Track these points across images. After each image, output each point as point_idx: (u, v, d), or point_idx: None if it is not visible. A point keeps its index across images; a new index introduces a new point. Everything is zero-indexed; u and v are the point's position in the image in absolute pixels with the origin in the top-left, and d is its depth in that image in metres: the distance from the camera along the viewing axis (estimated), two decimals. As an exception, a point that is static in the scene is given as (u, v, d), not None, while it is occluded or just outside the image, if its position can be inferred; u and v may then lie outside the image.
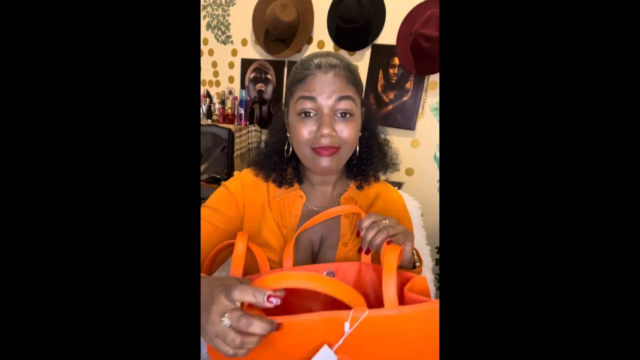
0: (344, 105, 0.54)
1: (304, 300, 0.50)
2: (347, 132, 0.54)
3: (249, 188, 0.64)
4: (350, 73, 0.55)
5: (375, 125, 0.65)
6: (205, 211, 0.61)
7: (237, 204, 0.62)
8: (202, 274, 0.47)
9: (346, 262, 0.52)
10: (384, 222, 0.48)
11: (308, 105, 0.53)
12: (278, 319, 0.37)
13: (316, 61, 0.55)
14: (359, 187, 0.66)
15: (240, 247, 0.42)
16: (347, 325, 0.36)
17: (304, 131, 0.54)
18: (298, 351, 0.39)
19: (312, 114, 0.54)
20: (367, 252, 0.49)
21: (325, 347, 0.38)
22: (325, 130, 0.52)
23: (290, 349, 0.39)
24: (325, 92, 0.53)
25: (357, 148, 0.60)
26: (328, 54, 0.56)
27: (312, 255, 0.62)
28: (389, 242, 0.47)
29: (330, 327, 0.37)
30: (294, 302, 0.50)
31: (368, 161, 0.64)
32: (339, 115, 0.54)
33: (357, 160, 0.63)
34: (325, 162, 0.55)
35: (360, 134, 0.61)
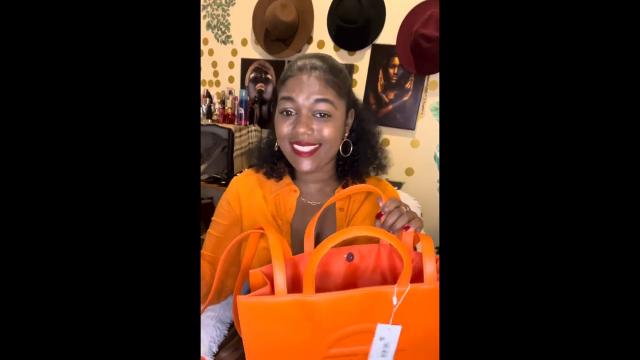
0: (320, 107, 0.56)
1: (326, 283, 0.52)
2: (325, 130, 0.57)
3: (245, 189, 0.67)
4: (333, 76, 0.57)
5: (368, 127, 0.67)
6: (211, 225, 0.68)
7: (234, 211, 0.66)
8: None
9: (365, 245, 0.54)
10: (403, 207, 0.51)
11: (288, 105, 0.57)
12: (321, 296, 0.40)
13: (299, 63, 0.57)
14: (348, 185, 0.67)
15: (272, 238, 0.44)
16: (394, 299, 0.40)
17: (284, 127, 0.58)
18: (338, 325, 0.42)
19: (292, 113, 0.57)
20: None
21: (381, 325, 0.42)
22: (301, 129, 0.56)
23: (331, 323, 0.42)
24: (304, 93, 0.56)
25: (341, 149, 0.62)
26: (314, 56, 0.58)
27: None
28: (406, 228, 0.50)
29: (370, 301, 0.41)
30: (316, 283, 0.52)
31: (357, 162, 0.65)
32: (318, 115, 0.57)
33: (342, 161, 0.66)
34: (304, 163, 0.58)
35: (347, 134, 0.64)
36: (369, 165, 0.67)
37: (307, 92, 0.56)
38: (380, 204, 0.52)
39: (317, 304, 0.40)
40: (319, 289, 0.40)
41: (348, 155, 0.64)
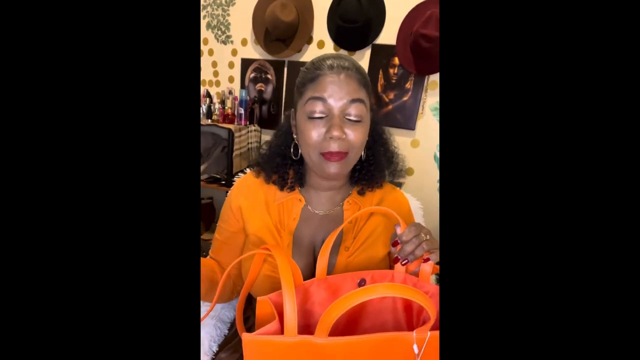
0: (355, 108, 0.52)
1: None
2: (355, 135, 0.53)
3: (248, 195, 0.65)
4: (362, 76, 0.54)
5: (381, 131, 0.64)
6: (217, 228, 0.67)
7: (236, 218, 0.65)
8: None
9: (379, 270, 0.52)
10: (423, 235, 0.47)
11: (318, 107, 0.52)
12: (334, 340, 0.37)
13: (328, 62, 0.53)
14: (361, 193, 0.65)
15: (282, 263, 0.41)
16: (415, 348, 0.38)
17: (313, 134, 0.53)
18: None
19: (322, 116, 0.53)
20: (403, 264, 0.48)
21: None
22: (335, 133, 0.51)
23: None
24: (337, 93, 0.51)
25: (363, 153, 0.59)
26: (340, 56, 0.55)
27: (314, 259, 0.62)
28: (425, 260, 0.47)
29: (385, 346, 0.39)
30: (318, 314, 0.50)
31: (372, 167, 0.63)
32: (350, 119, 0.53)
33: (360, 166, 0.62)
34: (333, 168, 0.55)
35: (367, 138, 0.60)
36: (383, 171, 0.64)
37: (341, 92, 0.51)
38: (398, 231, 0.48)
39: (329, 348, 0.37)
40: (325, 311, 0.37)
41: (363, 160, 0.61)
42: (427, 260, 0.47)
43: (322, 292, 0.49)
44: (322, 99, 0.52)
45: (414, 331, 0.38)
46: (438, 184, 1.57)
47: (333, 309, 0.36)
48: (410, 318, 0.51)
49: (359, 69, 0.55)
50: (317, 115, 0.53)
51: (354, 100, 0.52)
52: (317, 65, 0.54)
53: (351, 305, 0.35)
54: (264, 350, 0.38)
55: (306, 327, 0.40)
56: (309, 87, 0.54)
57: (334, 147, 0.52)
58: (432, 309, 0.37)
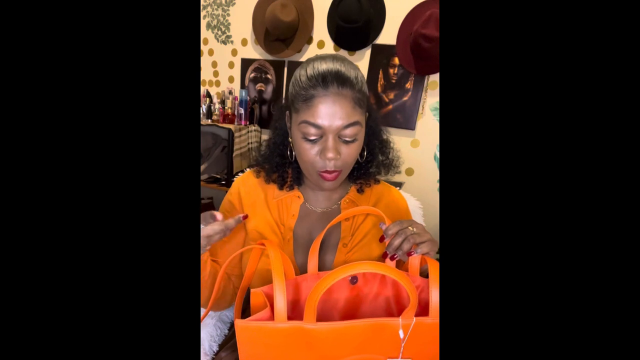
0: (350, 131, 0.53)
1: (327, 305, 0.51)
2: (349, 153, 0.55)
3: (248, 192, 0.66)
4: (356, 91, 0.53)
5: (377, 127, 0.65)
6: None
7: (238, 214, 0.64)
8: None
9: None
10: (409, 229, 0.48)
11: (312, 131, 0.52)
12: (322, 325, 0.38)
13: (322, 69, 0.51)
14: (360, 191, 0.66)
15: (274, 256, 0.42)
16: (401, 333, 0.40)
17: (309, 153, 0.54)
18: (339, 355, 0.41)
19: (316, 138, 0.53)
20: (392, 259, 0.49)
21: None
22: (330, 154, 0.52)
23: (332, 352, 0.41)
24: (331, 118, 0.51)
25: (360, 155, 0.60)
26: (334, 59, 0.53)
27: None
28: (410, 254, 0.48)
29: (372, 332, 0.40)
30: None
31: (369, 164, 0.64)
32: (344, 139, 0.54)
33: (358, 165, 0.63)
34: (328, 184, 0.57)
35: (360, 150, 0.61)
36: (380, 166, 0.65)
37: (335, 117, 0.51)
38: (383, 228, 0.50)
39: (318, 333, 0.39)
40: (318, 310, 0.39)
41: (362, 161, 0.62)
42: (411, 253, 0.48)
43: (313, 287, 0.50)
44: (316, 125, 0.52)
45: (400, 317, 0.39)
46: (438, 184, 1.57)
47: (318, 287, 0.37)
48: (402, 311, 0.52)
49: (353, 82, 0.52)
50: (311, 138, 0.53)
51: (348, 125, 0.52)
52: (311, 78, 0.52)
53: (335, 280, 0.37)
54: (256, 335, 0.40)
55: (298, 320, 0.41)
56: (302, 108, 0.53)
57: (329, 166, 0.54)
58: (412, 290, 0.38)
